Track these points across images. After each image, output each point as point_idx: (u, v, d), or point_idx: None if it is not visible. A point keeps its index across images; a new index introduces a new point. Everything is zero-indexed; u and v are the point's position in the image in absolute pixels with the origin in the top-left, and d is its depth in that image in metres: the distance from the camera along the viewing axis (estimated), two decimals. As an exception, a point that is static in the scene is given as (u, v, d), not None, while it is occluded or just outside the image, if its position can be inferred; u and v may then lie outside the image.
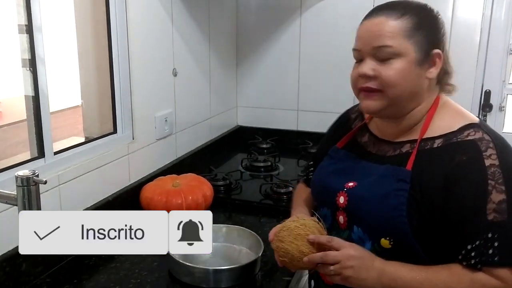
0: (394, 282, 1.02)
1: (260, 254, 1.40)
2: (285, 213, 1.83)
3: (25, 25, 1.43)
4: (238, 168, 2.29)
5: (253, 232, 1.51)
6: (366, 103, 1.10)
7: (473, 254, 0.97)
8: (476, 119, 1.08)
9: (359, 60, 1.12)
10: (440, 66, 1.08)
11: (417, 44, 1.04)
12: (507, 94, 2.46)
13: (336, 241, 1.07)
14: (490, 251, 0.96)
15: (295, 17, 2.64)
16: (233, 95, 2.82)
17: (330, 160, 1.25)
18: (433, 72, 1.07)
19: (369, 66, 1.07)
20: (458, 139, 1.03)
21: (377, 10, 1.10)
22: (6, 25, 1.54)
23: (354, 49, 1.14)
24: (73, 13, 1.82)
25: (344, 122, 1.35)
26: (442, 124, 1.08)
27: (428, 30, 1.06)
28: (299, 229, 1.10)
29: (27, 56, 1.45)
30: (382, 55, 1.05)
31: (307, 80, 2.69)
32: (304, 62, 2.68)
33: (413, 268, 1.02)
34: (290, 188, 1.96)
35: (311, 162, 1.41)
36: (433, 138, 1.06)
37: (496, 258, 0.96)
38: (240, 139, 2.81)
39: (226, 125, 2.75)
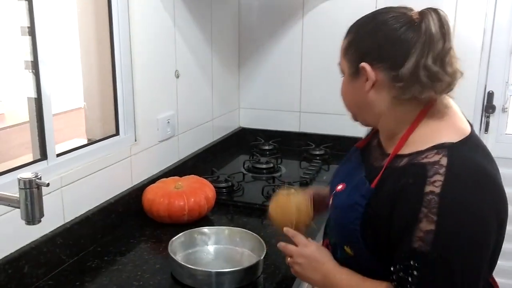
0: (333, 286, 1.13)
1: (262, 257, 1.39)
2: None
3: (28, 27, 1.43)
4: (240, 170, 2.29)
5: (255, 234, 1.51)
6: None
7: (394, 276, 0.98)
8: (457, 136, 1.01)
9: None
10: (379, 78, 1.03)
11: (349, 60, 1.09)
12: (510, 96, 2.45)
13: (299, 238, 1.22)
14: (410, 279, 0.94)
15: (297, 18, 2.64)
16: (235, 96, 2.82)
17: (345, 159, 1.31)
18: (368, 85, 1.05)
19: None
20: (416, 161, 0.99)
21: None
22: (9, 27, 1.54)
23: None
24: (76, 15, 1.82)
25: None
26: (417, 141, 1.03)
27: (359, 44, 1.07)
28: (284, 200, 1.37)
29: (29, 58, 1.45)
30: (340, 72, 1.15)
31: (309, 82, 2.69)
32: (307, 63, 2.68)
33: (353, 279, 1.09)
34: (293, 190, 1.96)
35: None
36: (402, 156, 1.03)
37: (413, 286, 0.94)
38: (242, 141, 2.80)
39: (228, 126, 2.75)
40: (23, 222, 1.03)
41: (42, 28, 1.44)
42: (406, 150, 1.03)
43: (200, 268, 1.36)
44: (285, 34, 2.68)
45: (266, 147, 2.65)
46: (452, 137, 1.00)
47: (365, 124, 1.18)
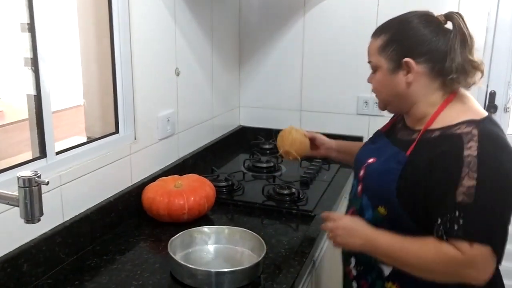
0: (375, 249, 1.26)
1: (262, 256, 1.38)
2: (288, 215, 1.83)
3: (28, 23, 1.42)
4: (240, 169, 2.29)
5: (255, 234, 1.50)
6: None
7: (441, 227, 1.15)
8: (479, 116, 1.22)
9: None
10: (419, 71, 1.24)
11: (387, 56, 1.27)
12: (512, 95, 2.45)
13: (331, 215, 1.40)
14: (456, 227, 1.12)
15: (298, 17, 2.63)
16: (235, 95, 2.81)
17: (369, 141, 1.50)
18: (410, 77, 1.25)
19: (369, 76, 1.36)
20: (450, 132, 1.19)
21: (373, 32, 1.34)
22: (8, 23, 1.53)
23: None
24: (76, 12, 1.81)
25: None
26: (447, 118, 1.23)
27: (398, 43, 1.26)
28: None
29: (29, 55, 1.44)
30: (371, 68, 1.33)
31: (310, 80, 2.69)
32: (307, 62, 2.67)
33: (394, 238, 1.23)
34: (293, 190, 1.95)
35: None
36: (434, 130, 1.23)
37: (459, 233, 1.12)
38: (242, 140, 2.80)
39: (228, 125, 2.74)
40: (22, 220, 1.03)
41: (42, 25, 1.44)
42: (436, 125, 1.24)
43: (200, 268, 1.35)
44: (286, 32, 2.67)
45: (266, 146, 2.64)
46: (475, 116, 1.21)
47: (396, 111, 1.39)
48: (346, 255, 1.47)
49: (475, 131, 1.16)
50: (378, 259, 1.29)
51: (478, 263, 1.12)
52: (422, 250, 1.18)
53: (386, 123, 1.50)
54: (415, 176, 1.20)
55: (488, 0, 2.30)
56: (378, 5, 2.46)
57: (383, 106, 1.38)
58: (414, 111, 1.30)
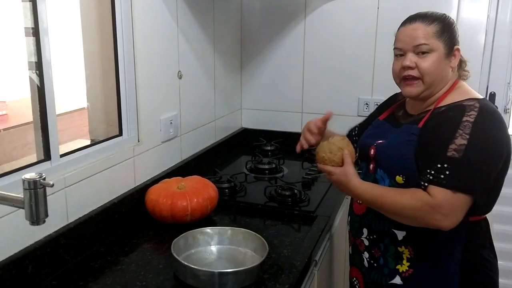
0: (358, 196, 1.45)
1: (265, 257, 1.40)
2: (290, 216, 1.84)
3: (32, 28, 1.43)
4: (242, 171, 2.30)
5: (258, 235, 1.51)
6: (408, 89, 1.45)
7: (427, 175, 1.32)
8: (480, 96, 1.40)
9: (400, 55, 1.45)
10: (459, 58, 1.45)
11: (444, 42, 1.40)
12: (512, 97, 2.46)
13: (325, 169, 1.51)
14: (442, 176, 1.29)
15: (299, 19, 2.64)
16: (237, 97, 2.83)
17: (371, 128, 1.63)
18: (454, 62, 1.44)
19: (410, 60, 1.41)
20: (456, 104, 1.38)
21: (412, 19, 1.44)
22: (13, 28, 1.55)
23: (395, 48, 1.47)
24: (79, 16, 1.82)
25: (390, 100, 1.70)
26: (451, 99, 1.41)
27: (450, 32, 1.42)
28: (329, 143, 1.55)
29: (33, 59, 1.46)
30: (420, 51, 1.40)
31: (311, 82, 2.70)
32: (308, 64, 2.68)
33: (375, 187, 1.43)
34: (295, 191, 1.96)
35: (355, 126, 1.81)
36: (441, 107, 1.42)
37: (444, 181, 1.29)
38: (244, 142, 2.81)
39: (230, 127, 2.76)
40: (27, 222, 1.04)
41: (46, 29, 1.45)
42: (444, 103, 1.42)
43: (203, 268, 1.36)
44: (287, 35, 2.69)
45: (268, 148, 2.65)
46: (477, 97, 1.40)
47: (427, 96, 1.45)
48: (358, 228, 1.57)
49: (477, 104, 1.34)
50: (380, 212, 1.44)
51: (445, 207, 1.29)
52: (399, 196, 1.36)
53: (379, 111, 1.67)
54: (425, 141, 1.37)
55: (487, 3, 2.31)
56: (378, 8, 2.48)
57: (422, 90, 1.43)
58: (435, 96, 1.45)
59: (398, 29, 1.47)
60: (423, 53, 1.39)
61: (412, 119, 1.48)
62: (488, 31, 2.36)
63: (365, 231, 1.54)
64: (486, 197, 1.35)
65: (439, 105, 1.42)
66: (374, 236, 1.51)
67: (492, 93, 2.44)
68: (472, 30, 2.34)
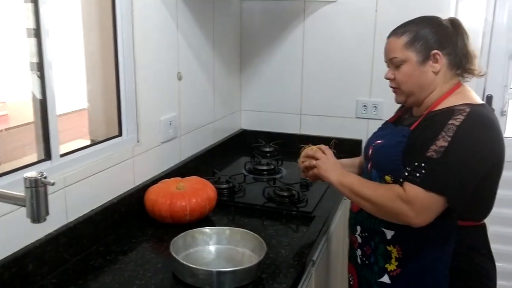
0: (342, 186, 1.51)
1: (263, 257, 1.41)
2: (288, 216, 1.85)
3: (33, 29, 1.45)
4: (241, 171, 2.31)
5: (256, 235, 1.52)
6: (395, 98, 1.55)
7: (405, 173, 1.36)
8: (479, 102, 1.42)
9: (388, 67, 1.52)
10: (446, 60, 1.43)
11: (416, 51, 1.43)
12: (509, 99, 2.47)
13: (318, 155, 1.62)
14: (417, 175, 1.33)
15: (298, 22, 2.66)
16: (237, 99, 2.84)
17: (378, 129, 1.67)
18: (436, 66, 1.43)
19: (389, 72, 1.50)
20: (448, 108, 1.39)
21: (391, 33, 1.50)
22: (14, 29, 1.56)
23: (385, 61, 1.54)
24: (80, 18, 1.84)
25: (402, 105, 1.70)
26: (448, 103, 1.42)
27: (425, 39, 1.43)
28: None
29: (35, 59, 1.47)
30: (395, 64, 1.47)
31: (310, 84, 2.71)
32: (307, 66, 2.70)
33: (357, 179, 1.50)
34: (293, 192, 1.98)
35: None
36: (436, 110, 1.42)
37: (418, 180, 1.32)
38: (243, 143, 2.82)
39: (229, 128, 2.77)
40: (27, 221, 1.05)
41: (48, 30, 1.47)
42: (440, 107, 1.42)
43: (201, 267, 1.37)
44: (286, 37, 2.71)
45: (267, 149, 2.67)
46: (473, 102, 1.40)
47: (414, 103, 1.51)
48: (353, 225, 1.62)
49: (467, 109, 1.35)
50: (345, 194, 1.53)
51: (416, 204, 1.32)
52: (376, 188, 1.42)
53: (393, 115, 1.69)
54: (413, 143, 1.40)
55: (484, 6, 2.33)
56: (376, 11, 2.49)
57: (404, 98, 1.50)
58: (428, 100, 1.47)
59: None
60: (398, 65, 1.46)
61: (408, 122, 1.52)
62: (485, 34, 2.38)
63: (358, 228, 1.59)
64: (462, 201, 1.35)
65: (434, 109, 1.44)
66: (366, 234, 1.55)
67: (489, 95, 2.45)
68: (469, 33, 2.33)
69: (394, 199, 1.35)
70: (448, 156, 1.31)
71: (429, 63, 1.43)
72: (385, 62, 1.53)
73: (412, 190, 1.33)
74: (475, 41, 2.37)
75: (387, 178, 1.45)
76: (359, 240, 1.58)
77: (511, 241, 2.75)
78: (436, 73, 1.45)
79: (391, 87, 1.53)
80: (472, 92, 1.47)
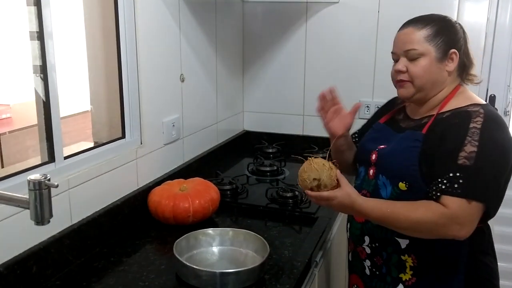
0: (366, 217, 1.39)
1: (266, 257, 1.41)
2: (291, 217, 1.85)
3: (37, 32, 1.45)
4: (244, 173, 2.31)
5: (259, 236, 1.52)
6: (401, 91, 1.46)
7: (439, 185, 1.29)
8: (483, 102, 1.41)
9: (396, 60, 1.46)
10: (457, 62, 1.41)
11: (436, 46, 1.39)
12: (512, 99, 2.47)
13: (321, 196, 1.37)
14: (456, 185, 1.27)
15: (300, 23, 2.66)
16: (239, 100, 2.84)
17: (371, 131, 1.62)
18: (451, 66, 1.41)
19: (402, 64, 1.43)
20: (461, 110, 1.37)
21: (406, 24, 1.45)
22: (18, 32, 1.57)
23: (392, 52, 1.48)
24: (83, 20, 1.85)
25: (390, 104, 1.69)
26: (454, 104, 1.41)
27: (446, 35, 1.40)
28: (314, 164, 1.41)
29: (38, 62, 1.48)
30: (411, 56, 1.40)
31: (312, 85, 2.71)
32: (310, 67, 2.70)
33: (383, 203, 1.37)
34: (296, 192, 1.98)
35: (356, 132, 1.77)
36: (445, 112, 1.41)
37: (459, 191, 1.27)
38: (246, 144, 2.83)
39: (232, 130, 2.77)
40: (31, 223, 1.05)
41: (51, 33, 1.47)
42: (446, 109, 1.41)
43: (204, 269, 1.38)
44: (289, 38, 2.71)
45: (270, 150, 2.67)
46: (480, 102, 1.40)
47: (421, 99, 1.45)
48: (359, 236, 1.54)
49: (482, 110, 1.34)
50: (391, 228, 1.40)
51: (461, 217, 1.27)
52: (411, 210, 1.31)
53: (383, 116, 1.63)
54: (431, 148, 1.35)
55: (487, 6, 2.33)
56: (378, 11, 2.49)
57: (412, 93, 1.43)
58: (434, 99, 1.44)
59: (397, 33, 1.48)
60: (414, 57, 1.40)
61: (415, 124, 1.47)
62: (488, 34, 2.37)
63: (366, 239, 1.52)
64: (498, 203, 1.34)
65: (442, 111, 1.41)
66: (377, 244, 1.49)
67: (492, 95, 2.45)
68: (472, 33, 2.32)
69: (438, 218, 1.28)
70: (480, 161, 1.27)
71: (446, 61, 1.40)
72: (394, 53, 1.46)
73: (455, 203, 1.27)
74: (478, 41, 2.37)
75: (401, 185, 1.40)
76: (368, 250, 1.52)
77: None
78: (449, 72, 1.42)
79: (400, 80, 1.44)
80: (472, 93, 1.47)
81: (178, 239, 1.49)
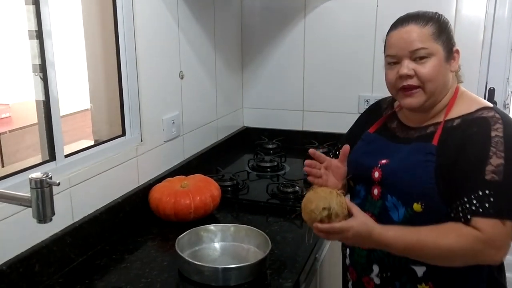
0: (388, 248, 1.19)
1: (267, 253, 1.42)
2: (292, 212, 1.85)
3: (35, 31, 1.45)
4: (245, 169, 2.32)
5: (260, 231, 1.53)
6: (409, 101, 1.26)
7: (467, 205, 1.14)
8: (489, 104, 1.25)
9: (394, 63, 1.27)
10: (459, 60, 1.28)
11: (443, 44, 1.23)
12: (511, 92, 2.47)
13: (334, 229, 1.16)
14: (487, 205, 1.11)
15: (299, 19, 2.66)
16: (239, 96, 2.85)
17: (362, 143, 1.42)
18: (454, 65, 1.27)
19: (408, 67, 1.23)
20: (474, 117, 1.21)
21: (404, 21, 1.26)
22: (17, 31, 1.57)
23: (388, 55, 1.29)
24: (82, 19, 1.85)
25: (376, 110, 1.49)
26: (461, 109, 1.25)
27: (447, 33, 1.25)
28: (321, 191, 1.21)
29: (37, 61, 1.48)
30: (419, 56, 1.22)
31: (311, 81, 2.72)
32: (309, 63, 2.70)
33: (407, 232, 1.17)
34: (297, 188, 1.98)
35: (339, 145, 1.54)
36: (453, 119, 1.24)
37: (491, 211, 1.11)
38: (246, 140, 2.83)
39: (232, 126, 2.78)
40: (34, 222, 1.06)
41: (50, 31, 1.47)
42: (453, 115, 1.25)
43: (207, 265, 1.39)
44: (287, 34, 2.71)
45: (270, 146, 2.67)
46: (486, 103, 1.25)
47: (430, 105, 1.27)
48: (365, 264, 1.34)
49: (497, 115, 1.19)
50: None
51: (497, 240, 1.12)
52: (441, 237, 1.14)
53: (371, 124, 1.44)
54: (448, 162, 1.19)
55: (485, -1, 2.33)
56: (377, 6, 2.49)
57: (424, 100, 1.25)
58: (439, 104, 1.28)
59: (388, 33, 1.29)
60: (421, 58, 1.22)
61: (419, 134, 1.29)
62: (487, 27, 2.37)
63: (375, 268, 1.32)
64: None
65: (449, 117, 1.25)
66: (388, 274, 1.30)
67: (491, 88, 2.45)
68: (471, 26, 2.35)
69: (473, 244, 1.12)
70: (510, 174, 1.13)
71: (451, 61, 1.26)
72: (393, 55, 1.26)
73: (489, 225, 1.11)
74: (477, 35, 2.37)
75: (416, 206, 1.22)
76: (377, 281, 1.32)
77: None
78: (454, 73, 1.29)
79: (408, 86, 1.24)
80: (471, 92, 1.33)
81: (180, 236, 1.50)
